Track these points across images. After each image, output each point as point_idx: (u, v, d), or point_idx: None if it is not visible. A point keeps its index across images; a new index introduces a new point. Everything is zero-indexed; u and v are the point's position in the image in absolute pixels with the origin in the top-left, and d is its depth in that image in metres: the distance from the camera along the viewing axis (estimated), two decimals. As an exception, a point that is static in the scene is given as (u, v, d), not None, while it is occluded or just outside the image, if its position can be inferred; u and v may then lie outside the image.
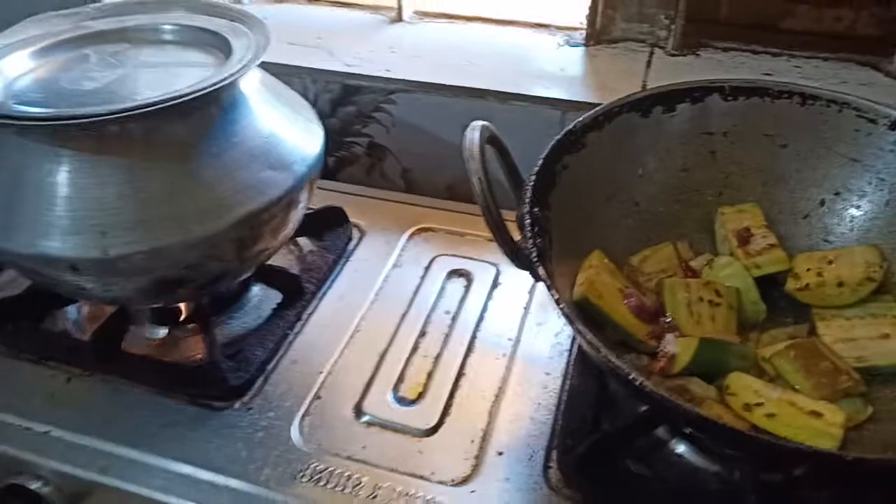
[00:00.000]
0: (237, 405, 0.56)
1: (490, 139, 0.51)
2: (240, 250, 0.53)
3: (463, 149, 0.47)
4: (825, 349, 0.50)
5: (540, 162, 0.55)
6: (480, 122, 0.49)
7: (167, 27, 0.60)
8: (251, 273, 0.63)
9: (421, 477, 0.51)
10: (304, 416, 0.55)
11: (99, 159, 0.49)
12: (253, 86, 0.57)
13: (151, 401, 0.57)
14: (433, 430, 0.54)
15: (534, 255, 0.48)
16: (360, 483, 0.50)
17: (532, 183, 0.53)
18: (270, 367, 0.59)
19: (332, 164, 0.90)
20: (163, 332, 0.63)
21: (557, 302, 0.45)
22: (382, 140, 0.84)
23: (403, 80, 0.80)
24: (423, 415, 0.55)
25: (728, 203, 0.63)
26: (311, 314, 0.65)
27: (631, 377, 0.41)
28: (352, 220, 0.74)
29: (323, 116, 0.84)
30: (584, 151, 0.59)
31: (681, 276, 0.58)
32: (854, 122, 0.59)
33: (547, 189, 0.56)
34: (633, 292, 0.55)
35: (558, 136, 0.58)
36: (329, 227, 0.72)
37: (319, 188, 0.81)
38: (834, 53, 0.78)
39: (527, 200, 0.52)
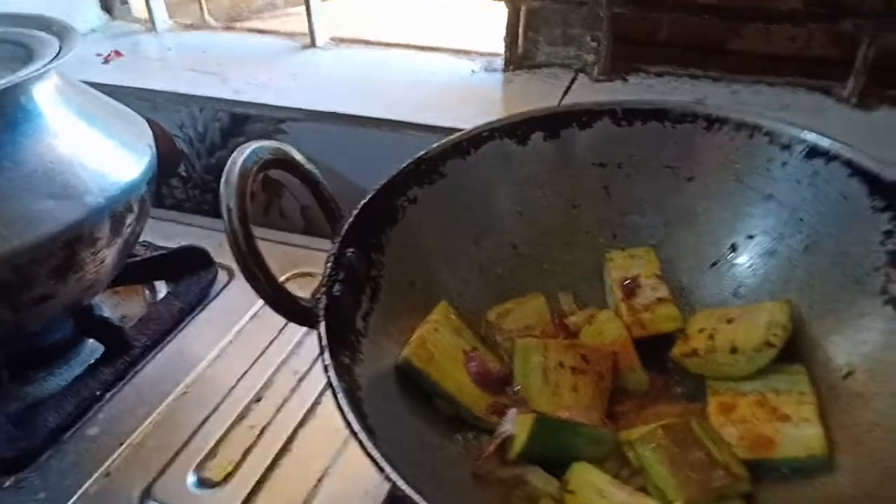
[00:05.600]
0: (9, 481, 0.47)
1: (280, 163, 0.42)
2: (5, 296, 0.45)
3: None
4: (704, 435, 0.39)
5: (371, 194, 0.46)
6: (257, 143, 0.40)
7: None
8: (63, 320, 0.55)
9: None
10: (77, 499, 0.46)
11: None
12: (49, 103, 0.49)
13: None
14: (228, 521, 0.44)
15: (321, 305, 0.38)
16: None
17: (352, 219, 0.44)
18: (68, 435, 0.50)
19: (231, 202, 0.82)
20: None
21: (333, 377, 0.35)
22: (276, 174, 0.76)
23: (292, 108, 0.72)
24: (222, 503, 0.45)
25: (624, 247, 0.52)
26: (138, 371, 0.55)
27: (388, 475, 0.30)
28: (221, 261, 0.65)
29: (215, 148, 0.76)
30: (442, 183, 0.50)
31: (551, 337, 0.48)
32: (767, 149, 0.48)
33: (382, 227, 0.47)
34: (478, 355, 0.44)
35: (403, 165, 0.49)
36: (189, 271, 0.64)
37: (207, 228, 0.73)
38: (781, 77, 0.68)
39: (338, 238, 0.43)
